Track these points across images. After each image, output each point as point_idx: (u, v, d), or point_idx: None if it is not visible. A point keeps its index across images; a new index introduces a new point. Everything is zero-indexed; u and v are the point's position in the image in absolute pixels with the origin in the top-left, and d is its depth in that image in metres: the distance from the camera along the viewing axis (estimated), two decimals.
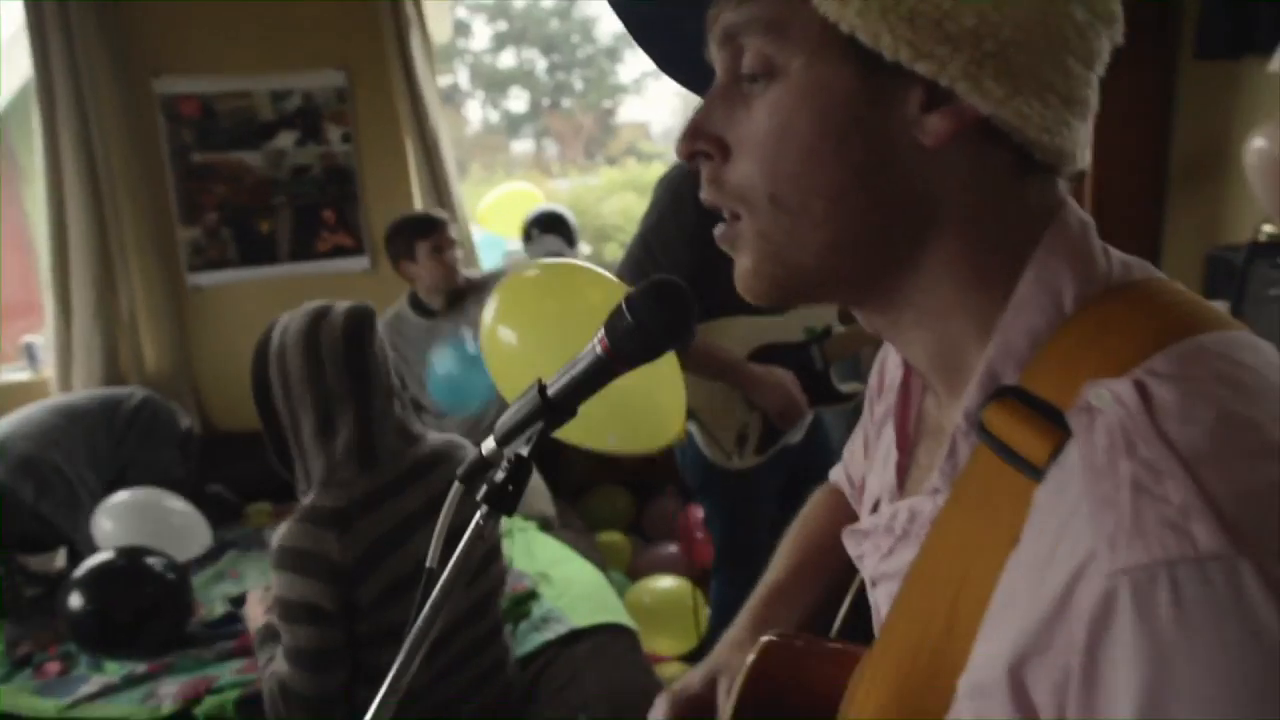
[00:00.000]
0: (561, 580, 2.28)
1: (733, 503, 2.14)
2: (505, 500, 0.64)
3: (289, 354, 1.39)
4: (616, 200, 5.03)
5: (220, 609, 2.22)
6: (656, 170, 4.98)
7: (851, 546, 0.61)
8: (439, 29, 3.56)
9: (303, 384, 1.38)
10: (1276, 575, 0.33)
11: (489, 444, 0.68)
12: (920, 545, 0.49)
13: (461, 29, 4.78)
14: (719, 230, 0.53)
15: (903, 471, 0.60)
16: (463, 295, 2.84)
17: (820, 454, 2.25)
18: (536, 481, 2.79)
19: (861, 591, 0.68)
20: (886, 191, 0.47)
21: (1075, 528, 0.38)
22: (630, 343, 0.60)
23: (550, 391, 0.64)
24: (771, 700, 0.62)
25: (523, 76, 5.46)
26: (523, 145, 5.55)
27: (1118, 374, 0.40)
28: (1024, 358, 0.46)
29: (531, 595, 2.18)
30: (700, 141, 0.51)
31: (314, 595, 1.34)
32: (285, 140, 3.30)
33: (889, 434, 0.62)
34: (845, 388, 2.08)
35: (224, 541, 2.67)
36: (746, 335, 1.97)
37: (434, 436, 1.57)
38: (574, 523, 2.96)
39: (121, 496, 2.43)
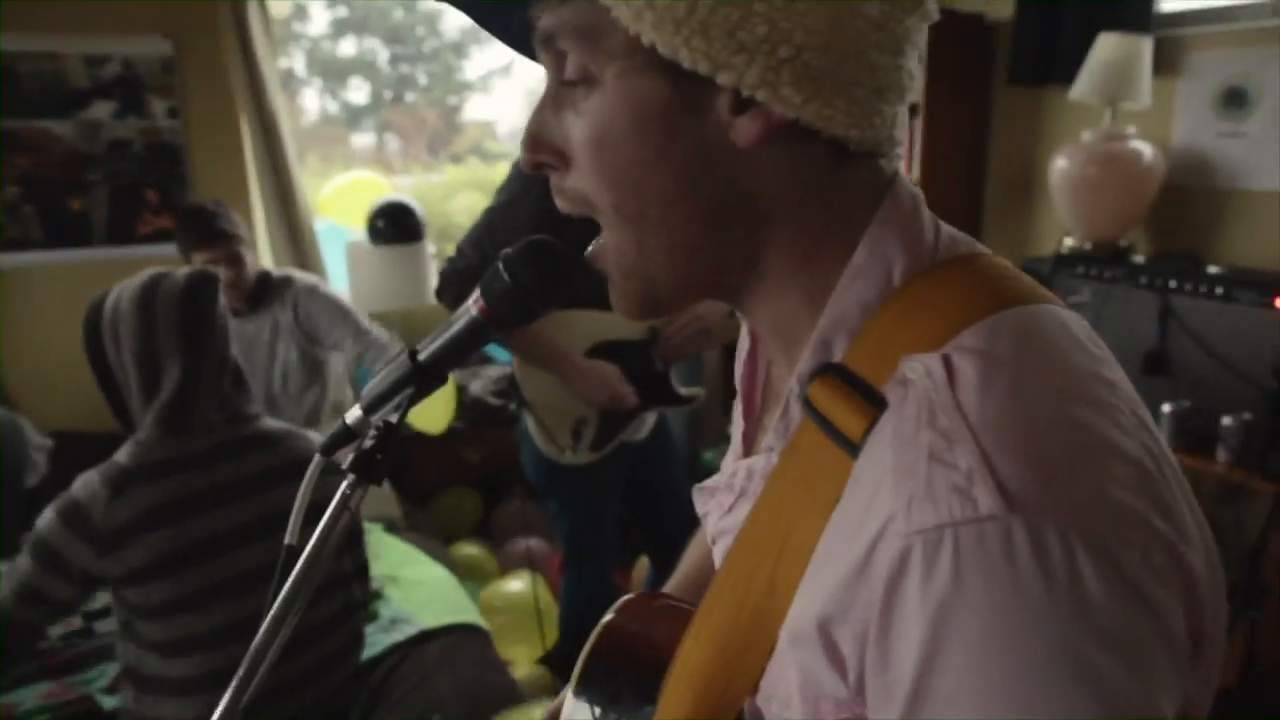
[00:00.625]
0: (410, 581, 2.22)
1: (577, 500, 2.13)
2: (373, 469, 0.62)
3: (123, 307, 1.36)
4: (462, 199, 4.91)
5: (78, 621, 1.99)
6: (502, 170, 4.91)
7: (699, 504, 0.63)
8: (277, 6, 3.38)
9: (132, 338, 1.36)
10: (1045, 535, 0.37)
11: (354, 412, 0.65)
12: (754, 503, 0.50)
13: (299, 12, 4.54)
14: (590, 250, 0.54)
15: (750, 437, 0.62)
16: (264, 296, 2.54)
17: (663, 451, 2.28)
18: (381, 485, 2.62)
19: None
20: (712, 194, 0.48)
21: (881, 494, 0.40)
22: (507, 304, 0.60)
23: (421, 356, 0.62)
24: (621, 653, 0.64)
25: (364, 67, 5.22)
26: (363, 139, 5.31)
27: (935, 346, 0.43)
28: (854, 327, 0.48)
29: (376, 595, 2.10)
30: (541, 153, 0.52)
31: (61, 544, 1.33)
32: (101, 111, 3.01)
33: (738, 401, 0.64)
34: (684, 391, 2.09)
35: None
36: (590, 329, 1.96)
37: (272, 423, 1.50)
38: (421, 525, 2.87)
39: None
